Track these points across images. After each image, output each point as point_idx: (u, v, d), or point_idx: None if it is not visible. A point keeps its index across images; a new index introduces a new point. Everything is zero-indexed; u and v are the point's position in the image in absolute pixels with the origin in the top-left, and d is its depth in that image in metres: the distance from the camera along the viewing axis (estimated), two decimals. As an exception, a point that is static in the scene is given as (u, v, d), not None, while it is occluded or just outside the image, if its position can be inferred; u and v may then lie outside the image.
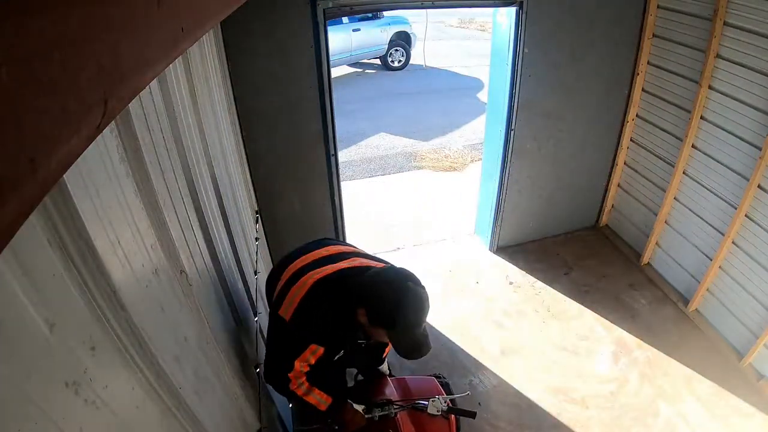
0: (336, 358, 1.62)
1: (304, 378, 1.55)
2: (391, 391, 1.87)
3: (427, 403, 1.73)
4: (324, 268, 1.54)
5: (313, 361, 1.50)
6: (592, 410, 2.70)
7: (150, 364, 0.89)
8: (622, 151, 3.73)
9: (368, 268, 1.53)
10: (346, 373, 2.05)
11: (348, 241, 3.60)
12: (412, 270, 1.50)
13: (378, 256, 1.73)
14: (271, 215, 3.06)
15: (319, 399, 1.62)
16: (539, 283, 3.63)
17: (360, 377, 2.07)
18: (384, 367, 2.04)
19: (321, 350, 1.48)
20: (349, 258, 1.61)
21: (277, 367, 1.55)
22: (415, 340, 1.42)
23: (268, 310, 1.72)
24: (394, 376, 2.13)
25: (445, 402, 1.72)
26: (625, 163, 3.79)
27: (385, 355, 2.01)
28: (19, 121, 0.28)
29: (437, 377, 2.21)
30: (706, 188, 3.05)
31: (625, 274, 3.69)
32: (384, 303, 1.39)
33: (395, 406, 1.74)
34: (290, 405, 2.05)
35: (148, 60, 0.47)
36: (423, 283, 1.44)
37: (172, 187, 1.16)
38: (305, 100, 2.78)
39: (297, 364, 1.48)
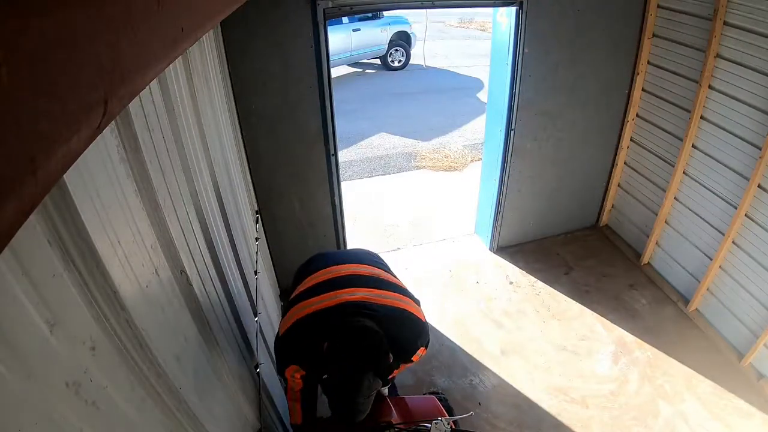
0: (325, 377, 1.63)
1: (299, 378, 1.56)
2: (391, 412, 1.81)
3: (429, 426, 1.65)
4: (336, 293, 1.53)
5: (298, 377, 1.53)
6: (592, 410, 2.70)
7: (150, 364, 0.89)
8: (622, 150, 3.73)
9: (366, 306, 1.49)
10: None
11: (350, 243, 3.59)
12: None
13: (396, 283, 1.69)
14: (271, 215, 3.06)
15: (294, 411, 1.66)
16: (539, 283, 3.63)
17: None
18: (383, 389, 1.97)
19: (302, 372, 1.51)
20: (365, 286, 1.58)
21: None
22: (339, 401, 1.39)
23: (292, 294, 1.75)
24: (396, 394, 2.08)
25: (448, 424, 1.64)
26: (625, 163, 3.79)
27: (391, 377, 1.95)
28: (19, 121, 0.28)
29: (436, 394, 2.16)
30: (706, 188, 3.04)
31: (625, 274, 3.69)
32: (330, 352, 1.38)
33: (396, 430, 1.68)
34: None
35: (148, 60, 0.47)
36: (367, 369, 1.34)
37: (172, 187, 1.16)
38: (305, 100, 2.78)
39: (286, 372, 1.53)
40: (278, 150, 2.89)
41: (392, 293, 1.59)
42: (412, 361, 1.68)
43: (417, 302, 1.65)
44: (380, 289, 1.58)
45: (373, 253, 1.91)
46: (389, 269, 1.84)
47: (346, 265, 1.70)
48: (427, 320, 1.68)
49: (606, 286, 3.59)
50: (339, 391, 1.36)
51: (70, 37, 0.32)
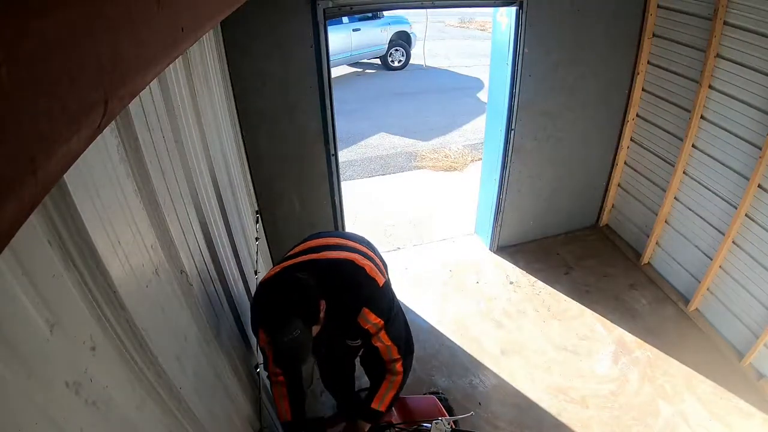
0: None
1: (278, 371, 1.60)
2: (391, 412, 1.82)
3: (429, 426, 1.66)
4: (301, 258, 1.65)
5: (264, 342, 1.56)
6: (592, 410, 2.70)
7: (150, 364, 0.90)
8: (623, 150, 3.73)
9: (313, 263, 1.60)
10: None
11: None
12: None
13: (362, 250, 1.72)
14: (272, 215, 3.06)
15: (282, 408, 1.68)
16: (539, 283, 3.63)
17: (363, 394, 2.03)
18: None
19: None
20: (327, 251, 1.67)
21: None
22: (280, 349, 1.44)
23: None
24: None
25: (448, 424, 1.65)
26: (625, 163, 3.79)
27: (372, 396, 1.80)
28: (19, 121, 0.28)
29: (436, 394, 2.15)
30: (706, 188, 3.04)
31: (625, 274, 3.69)
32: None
33: (397, 430, 1.70)
34: None
35: (148, 60, 0.47)
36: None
37: (172, 187, 1.16)
38: (305, 100, 2.78)
39: (260, 339, 1.57)
40: (278, 150, 2.89)
41: (345, 252, 1.66)
42: (372, 338, 1.62)
43: (378, 268, 1.65)
44: (338, 251, 1.67)
45: (365, 238, 1.91)
46: (373, 249, 1.84)
47: (324, 239, 1.78)
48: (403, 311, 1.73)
49: (606, 286, 3.59)
50: (271, 335, 1.41)
51: (70, 37, 0.32)
